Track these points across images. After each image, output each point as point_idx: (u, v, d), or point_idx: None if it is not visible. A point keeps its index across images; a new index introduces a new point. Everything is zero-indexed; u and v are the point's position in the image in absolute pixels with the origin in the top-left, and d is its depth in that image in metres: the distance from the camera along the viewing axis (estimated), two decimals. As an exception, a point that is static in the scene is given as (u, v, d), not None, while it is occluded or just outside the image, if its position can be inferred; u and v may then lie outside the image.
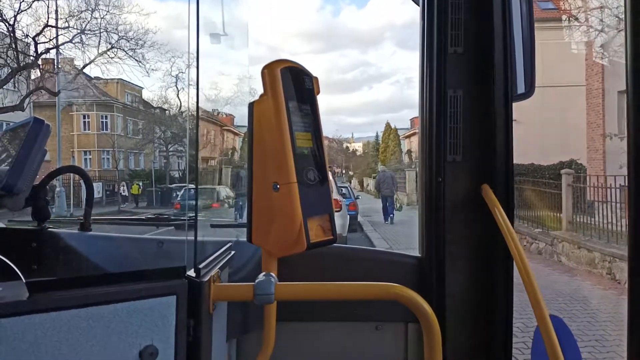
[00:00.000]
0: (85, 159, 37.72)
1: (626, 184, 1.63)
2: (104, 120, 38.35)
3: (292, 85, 1.48)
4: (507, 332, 1.91)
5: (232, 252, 1.76)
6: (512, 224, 1.77)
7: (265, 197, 1.45)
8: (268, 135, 1.45)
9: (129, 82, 37.41)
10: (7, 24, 16.66)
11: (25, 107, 16.41)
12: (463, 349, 1.94)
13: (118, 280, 1.25)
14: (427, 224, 1.99)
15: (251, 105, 1.49)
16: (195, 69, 1.43)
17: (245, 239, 1.54)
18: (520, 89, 1.95)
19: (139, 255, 1.98)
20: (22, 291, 1.09)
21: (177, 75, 35.11)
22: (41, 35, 18.02)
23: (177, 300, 1.25)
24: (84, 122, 37.90)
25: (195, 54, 1.42)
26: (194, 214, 1.60)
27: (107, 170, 36.63)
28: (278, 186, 1.43)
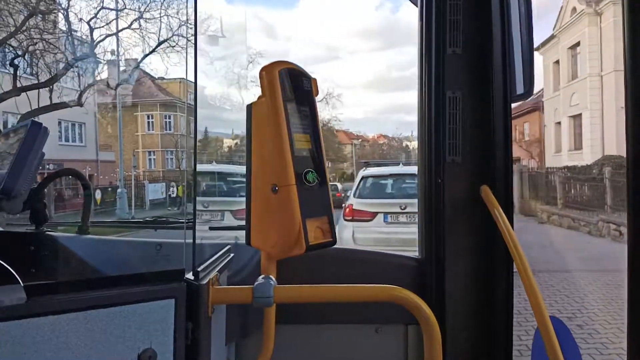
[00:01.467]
0: (150, 159, 37.82)
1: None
2: (168, 120, 38.72)
3: (291, 86, 1.48)
4: (507, 333, 1.90)
5: (231, 255, 1.77)
6: (512, 224, 1.76)
7: (264, 199, 1.46)
8: (266, 137, 1.45)
9: (192, 81, 37.38)
10: (62, 9, 15.34)
11: (83, 103, 15.57)
12: (463, 350, 1.94)
13: (116, 283, 1.25)
14: (426, 225, 1.99)
15: (249, 107, 1.49)
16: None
17: (244, 242, 1.55)
18: (519, 89, 1.95)
19: (138, 258, 1.99)
20: (21, 295, 1.09)
21: (238, 72, 34.73)
22: (97, 20, 15.59)
23: (176, 303, 1.25)
24: (148, 122, 38.35)
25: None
26: (191, 217, 1.58)
27: (170, 171, 36.99)
28: (277, 188, 1.43)
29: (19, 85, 12.90)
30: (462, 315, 1.94)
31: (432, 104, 1.96)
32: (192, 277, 1.34)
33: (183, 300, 1.27)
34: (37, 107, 12.56)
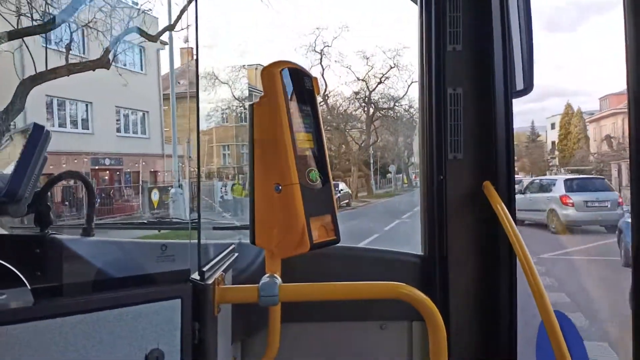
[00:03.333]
0: (224, 154, 34.49)
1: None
2: (243, 110, 35.83)
3: (292, 86, 1.47)
4: (511, 329, 1.91)
5: (236, 254, 1.78)
6: (514, 220, 1.77)
7: (267, 199, 1.45)
8: (269, 137, 1.45)
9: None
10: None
11: (110, 64, 10.08)
12: (468, 346, 1.95)
13: (123, 284, 1.26)
14: (429, 222, 2.00)
15: (251, 107, 1.49)
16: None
17: (248, 241, 1.53)
18: (519, 85, 1.96)
19: (143, 259, 1.98)
20: (28, 297, 1.10)
21: (322, 50, 27.30)
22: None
23: (182, 303, 1.26)
24: (222, 114, 35.06)
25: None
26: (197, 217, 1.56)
27: (246, 166, 33.64)
28: (280, 187, 1.43)
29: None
30: (467, 311, 1.95)
31: (433, 101, 1.96)
32: (197, 277, 1.35)
33: (189, 300, 1.27)
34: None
